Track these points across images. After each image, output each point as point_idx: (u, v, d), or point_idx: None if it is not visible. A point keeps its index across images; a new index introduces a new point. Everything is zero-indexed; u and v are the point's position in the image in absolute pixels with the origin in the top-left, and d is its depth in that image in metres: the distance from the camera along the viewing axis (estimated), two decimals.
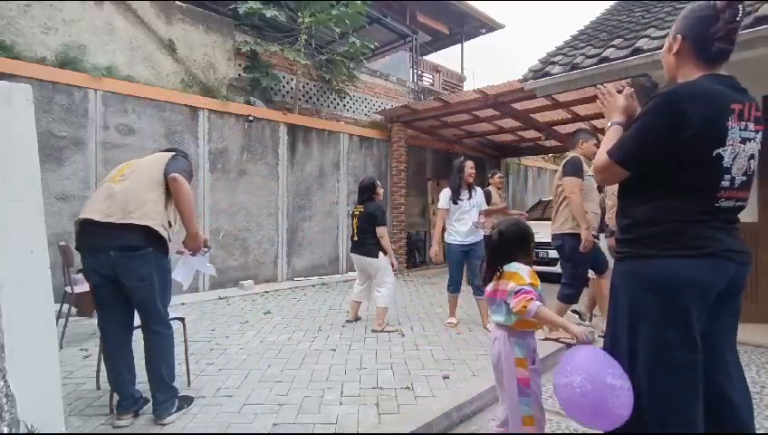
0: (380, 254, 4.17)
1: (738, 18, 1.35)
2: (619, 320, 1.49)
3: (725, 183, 1.32)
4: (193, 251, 2.51)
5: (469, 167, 4.24)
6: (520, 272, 1.79)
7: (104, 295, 2.28)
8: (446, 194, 4.28)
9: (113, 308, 2.30)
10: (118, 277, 2.19)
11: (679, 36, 1.43)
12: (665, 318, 1.35)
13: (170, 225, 2.32)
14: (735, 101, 1.32)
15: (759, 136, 1.38)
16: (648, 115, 1.37)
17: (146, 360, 2.31)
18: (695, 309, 1.33)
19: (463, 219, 4.18)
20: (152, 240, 2.20)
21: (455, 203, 4.20)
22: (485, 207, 4.44)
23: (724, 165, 1.31)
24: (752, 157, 1.36)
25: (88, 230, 2.21)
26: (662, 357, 1.36)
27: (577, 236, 3.56)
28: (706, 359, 1.39)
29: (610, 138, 1.52)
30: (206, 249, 2.59)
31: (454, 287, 4.38)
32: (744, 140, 1.33)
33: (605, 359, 1.43)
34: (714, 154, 1.30)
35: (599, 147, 1.58)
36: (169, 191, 2.29)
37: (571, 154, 3.82)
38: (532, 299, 1.67)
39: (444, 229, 4.37)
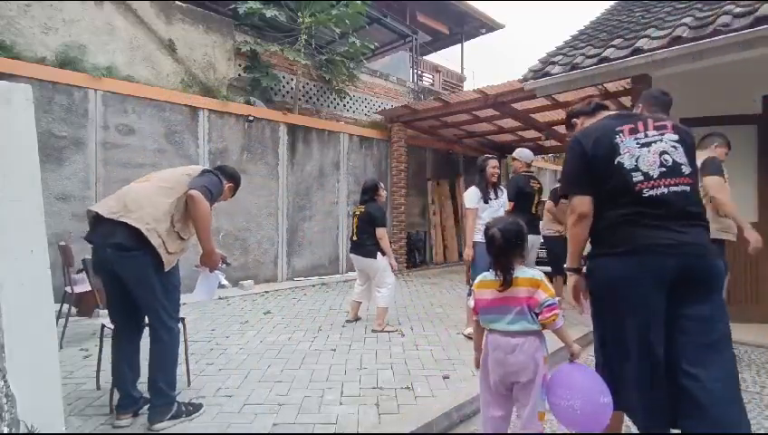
0: (379, 255, 4.17)
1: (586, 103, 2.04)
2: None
3: (639, 177, 1.64)
4: (210, 268, 2.50)
5: (491, 166, 4.03)
6: (544, 280, 1.77)
7: (110, 291, 2.33)
8: (473, 193, 4.03)
9: (119, 305, 2.34)
10: (119, 275, 2.21)
11: (576, 119, 2.05)
12: (596, 299, 1.78)
13: (180, 237, 2.28)
14: (623, 124, 1.73)
15: (668, 136, 1.69)
16: (567, 154, 1.88)
17: (148, 361, 2.32)
18: (621, 294, 1.64)
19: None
20: (145, 243, 2.16)
21: (485, 202, 3.98)
22: (508, 207, 4.20)
23: (628, 167, 1.65)
24: (663, 152, 1.66)
25: (94, 224, 2.27)
26: (596, 326, 1.79)
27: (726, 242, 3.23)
28: (672, 340, 1.60)
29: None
30: (224, 265, 2.58)
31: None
32: (644, 145, 1.68)
33: (595, 379, 1.68)
34: (615, 163, 1.67)
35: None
36: (187, 204, 2.27)
37: (705, 155, 3.34)
38: (559, 314, 1.72)
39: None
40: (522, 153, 4.58)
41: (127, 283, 2.21)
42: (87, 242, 2.30)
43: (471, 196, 4.05)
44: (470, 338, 3.86)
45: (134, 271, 2.19)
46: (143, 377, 2.39)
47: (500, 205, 4.08)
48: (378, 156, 8.45)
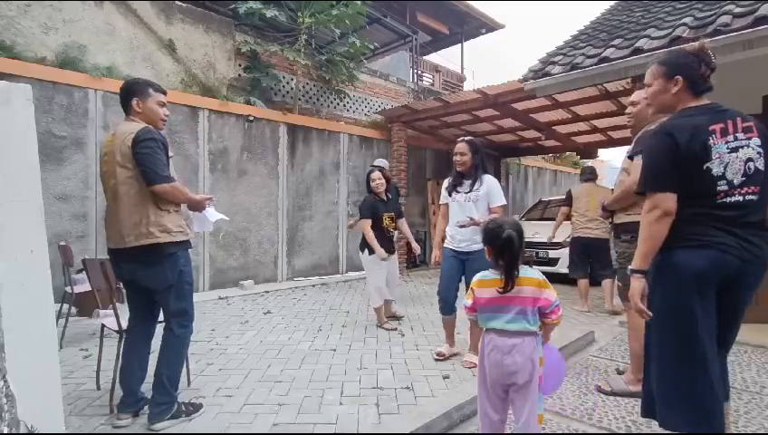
0: (366, 251, 4.27)
1: (713, 60, 1.73)
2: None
3: (723, 187, 1.61)
4: (198, 211, 2.51)
5: (455, 152, 3.25)
6: (546, 280, 1.77)
7: (131, 292, 2.44)
8: (444, 186, 3.45)
9: (138, 305, 2.46)
10: (143, 284, 2.38)
11: (680, 77, 1.75)
12: (663, 292, 1.69)
13: (174, 210, 2.34)
14: (715, 123, 1.64)
15: (755, 141, 1.64)
16: (651, 145, 1.72)
17: (158, 354, 2.36)
18: (690, 286, 1.62)
19: (458, 217, 3.23)
20: (159, 248, 2.28)
21: (449, 195, 3.33)
22: (501, 202, 3.18)
23: (716, 174, 1.61)
24: (749, 159, 1.62)
25: (113, 258, 2.41)
26: (657, 322, 1.70)
27: None
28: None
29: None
30: (210, 202, 2.56)
31: (443, 306, 3.32)
32: (733, 150, 1.62)
33: (560, 361, 1.93)
34: (704, 168, 1.61)
35: None
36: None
37: None
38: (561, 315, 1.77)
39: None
40: (385, 163, 5.40)
41: (150, 288, 2.33)
42: (119, 279, 2.48)
43: (443, 189, 3.46)
44: (441, 357, 3.33)
45: (157, 279, 2.30)
46: (148, 377, 2.41)
47: (471, 199, 3.19)
48: (378, 156, 8.43)
